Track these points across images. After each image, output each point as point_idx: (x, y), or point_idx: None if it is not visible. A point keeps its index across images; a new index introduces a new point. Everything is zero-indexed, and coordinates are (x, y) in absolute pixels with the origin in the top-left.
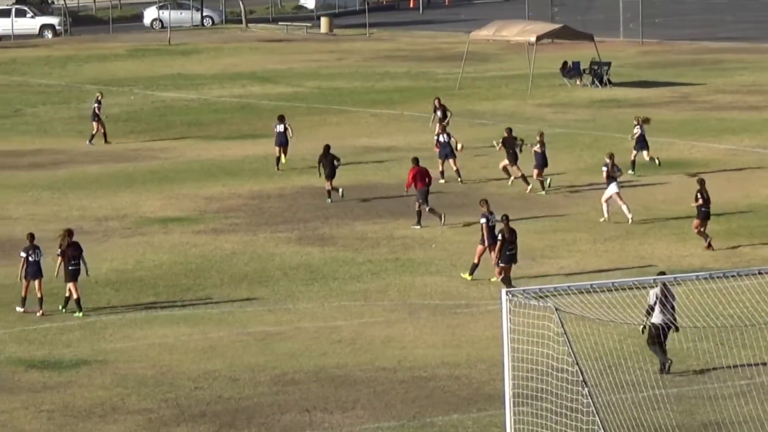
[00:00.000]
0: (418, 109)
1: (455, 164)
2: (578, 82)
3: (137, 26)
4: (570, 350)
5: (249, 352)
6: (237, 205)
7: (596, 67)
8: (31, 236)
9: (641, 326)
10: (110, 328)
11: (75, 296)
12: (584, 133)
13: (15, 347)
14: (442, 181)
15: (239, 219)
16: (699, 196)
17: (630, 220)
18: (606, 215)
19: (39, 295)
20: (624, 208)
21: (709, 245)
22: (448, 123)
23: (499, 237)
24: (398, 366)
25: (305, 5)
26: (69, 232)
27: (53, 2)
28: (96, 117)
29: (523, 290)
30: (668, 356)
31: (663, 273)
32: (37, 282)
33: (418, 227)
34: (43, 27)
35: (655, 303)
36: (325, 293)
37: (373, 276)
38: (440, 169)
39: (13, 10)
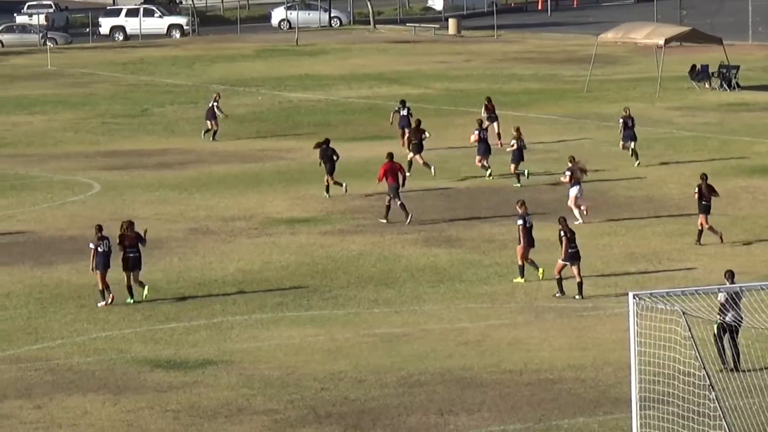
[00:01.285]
0: (545, 111)
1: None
2: (707, 86)
3: (265, 26)
4: (697, 354)
5: (375, 353)
6: (364, 206)
7: (725, 71)
8: (99, 228)
9: (715, 323)
10: (236, 329)
11: (126, 283)
12: (712, 136)
13: (141, 347)
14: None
15: (366, 220)
16: (698, 190)
17: (579, 222)
18: (580, 219)
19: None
20: (576, 212)
21: (722, 239)
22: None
23: (563, 236)
24: (524, 368)
25: (433, 6)
26: (129, 224)
27: (181, 2)
28: (213, 115)
29: (650, 293)
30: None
31: (732, 272)
32: (103, 273)
33: (385, 221)
34: (171, 27)
35: (726, 301)
36: (451, 295)
37: (499, 278)
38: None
39: (141, 10)
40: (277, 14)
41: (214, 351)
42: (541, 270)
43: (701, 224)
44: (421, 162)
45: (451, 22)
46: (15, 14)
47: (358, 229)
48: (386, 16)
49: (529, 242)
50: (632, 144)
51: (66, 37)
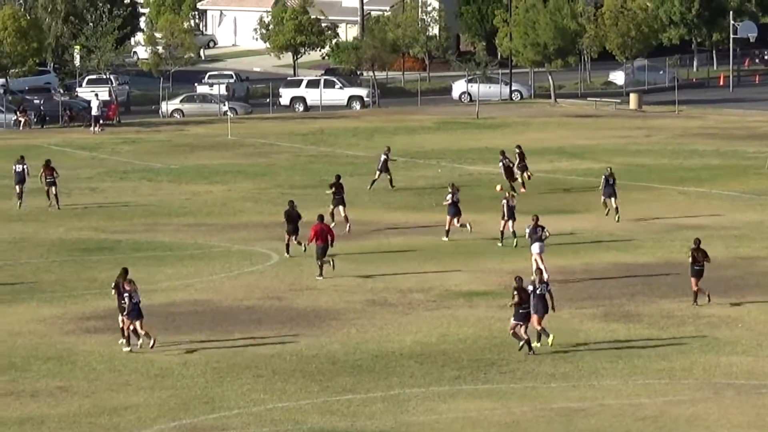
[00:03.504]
0: (727, 187)
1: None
2: None
3: (445, 99)
4: None
5: (552, 427)
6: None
7: None
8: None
9: None
10: (413, 401)
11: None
12: None
13: (317, 418)
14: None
15: None
16: (692, 255)
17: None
18: (546, 274)
19: (142, 332)
20: (542, 266)
21: (709, 298)
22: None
23: (515, 299)
24: None
25: (614, 81)
26: (125, 271)
27: (362, 74)
28: (386, 168)
29: None
30: None
31: None
32: (138, 322)
33: (321, 278)
34: (352, 98)
35: None
36: (629, 370)
37: (678, 354)
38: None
39: (322, 81)
40: (458, 87)
41: (391, 423)
42: (551, 338)
43: (695, 286)
44: (342, 214)
45: (632, 96)
46: (196, 84)
47: None
48: (567, 90)
49: (545, 309)
50: (613, 201)
51: (246, 107)
